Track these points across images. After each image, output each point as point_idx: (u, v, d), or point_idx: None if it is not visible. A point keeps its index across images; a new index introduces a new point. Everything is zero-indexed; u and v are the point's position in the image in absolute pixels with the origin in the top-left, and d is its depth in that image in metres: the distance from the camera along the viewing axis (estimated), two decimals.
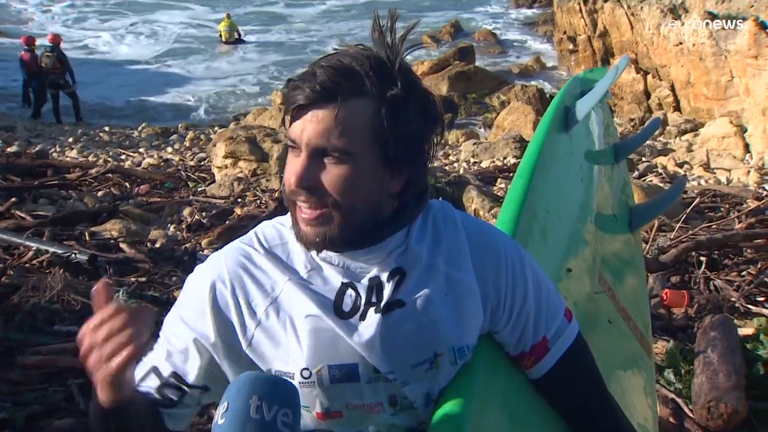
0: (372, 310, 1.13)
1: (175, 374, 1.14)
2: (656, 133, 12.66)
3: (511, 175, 8.72)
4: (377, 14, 1.11)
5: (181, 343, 1.16)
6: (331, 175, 1.08)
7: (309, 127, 1.08)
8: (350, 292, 1.14)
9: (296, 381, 1.12)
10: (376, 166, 1.10)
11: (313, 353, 1.12)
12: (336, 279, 1.15)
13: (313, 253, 1.16)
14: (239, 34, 21.58)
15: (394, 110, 1.08)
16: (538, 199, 1.70)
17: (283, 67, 19.75)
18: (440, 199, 6.68)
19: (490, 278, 1.21)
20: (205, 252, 6.03)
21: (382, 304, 1.13)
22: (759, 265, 5.00)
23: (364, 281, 1.15)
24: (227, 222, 6.87)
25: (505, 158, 10.47)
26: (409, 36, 1.13)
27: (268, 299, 1.14)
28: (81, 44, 22.06)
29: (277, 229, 1.22)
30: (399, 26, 1.11)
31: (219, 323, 1.14)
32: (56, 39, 14.38)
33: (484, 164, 10.27)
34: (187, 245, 6.22)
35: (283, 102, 1.13)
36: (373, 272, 1.15)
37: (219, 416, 0.98)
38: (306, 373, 1.12)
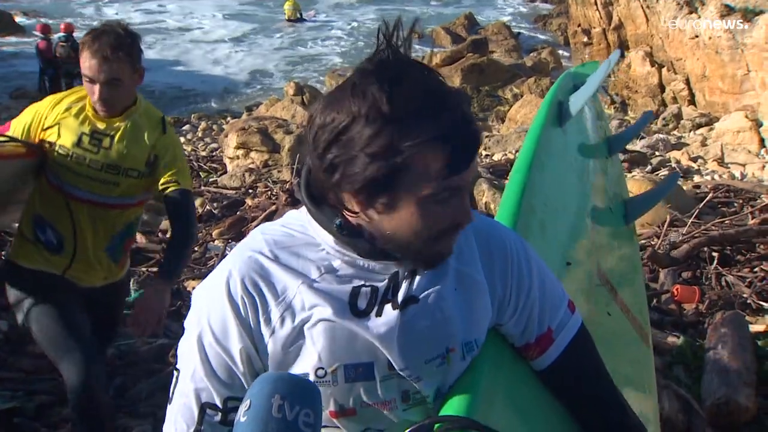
0: (388, 306, 1.12)
1: (230, 397, 1.11)
2: (670, 126, 12.57)
3: None
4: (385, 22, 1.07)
5: (220, 367, 1.11)
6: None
7: (472, 171, 1.07)
8: (365, 290, 1.12)
9: (310, 380, 1.11)
10: None
11: (328, 354, 1.10)
12: (352, 279, 1.13)
13: (333, 257, 1.13)
14: (301, 14, 23.10)
15: None
16: (536, 193, 1.71)
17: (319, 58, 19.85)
18: None
19: (498, 273, 1.21)
20: (216, 243, 6.06)
21: (399, 300, 1.13)
22: None
23: (384, 280, 1.14)
24: (238, 213, 6.90)
25: (517, 151, 10.44)
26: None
27: (282, 305, 1.11)
28: (148, 25, 22.56)
29: (285, 231, 1.17)
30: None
31: (245, 331, 1.11)
32: (69, 28, 14.45)
33: (495, 157, 10.26)
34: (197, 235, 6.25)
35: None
36: (393, 271, 1.14)
37: (241, 414, 0.97)
38: (321, 372, 1.11)
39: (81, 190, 2.39)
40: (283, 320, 1.10)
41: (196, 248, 5.75)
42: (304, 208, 1.17)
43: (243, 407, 0.97)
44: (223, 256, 5.52)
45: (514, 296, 1.23)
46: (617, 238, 2.35)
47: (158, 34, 21.94)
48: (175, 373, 1.14)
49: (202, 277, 4.98)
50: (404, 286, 1.13)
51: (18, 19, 21.38)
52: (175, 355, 3.63)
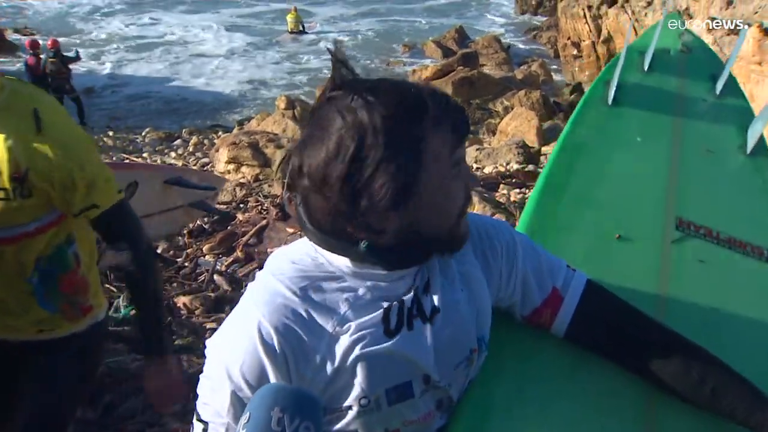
0: (418, 320, 1.14)
1: None
2: None
3: (514, 181, 8.71)
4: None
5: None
6: None
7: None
8: (395, 307, 1.13)
9: (354, 411, 1.12)
10: None
11: (369, 383, 1.11)
12: (379, 302, 1.13)
13: (355, 285, 1.13)
14: (303, 26, 23.52)
15: None
16: (573, 174, 1.71)
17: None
18: None
19: (490, 258, 1.25)
20: (207, 258, 6.03)
21: (427, 313, 1.14)
22: None
23: (408, 295, 1.14)
24: (229, 227, 6.88)
25: (508, 164, 10.45)
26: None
27: (322, 349, 1.09)
28: (156, 39, 22.77)
29: (297, 269, 1.14)
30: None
31: (284, 381, 1.08)
32: (55, 44, 14.57)
33: (486, 170, 10.26)
34: (188, 251, 6.23)
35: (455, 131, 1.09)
36: (412, 284, 1.16)
37: (240, 427, 0.97)
38: (364, 402, 1.11)
39: None
40: (324, 363, 1.09)
41: (186, 264, 5.71)
42: (305, 242, 1.16)
43: (243, 420, 0.97)
44: (214, 271, 5.49)
45: (505, 266, 1.26)
46: (727, 174, 2.12)
47: (156, 48, 21.98)
48: (200, 425, 1.12)
49: (192, 292, 4.96)
50: (426, 298, 1.15)
51: (8, 34, 21.35)
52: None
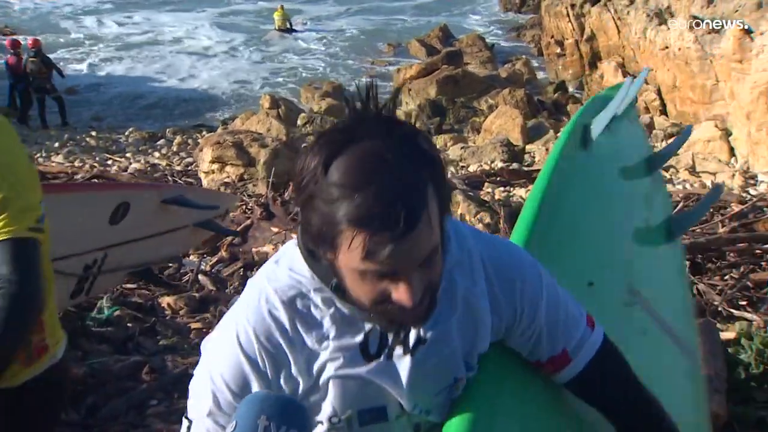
0: (399, 349, 1.13)
1: None
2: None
3: (498, 179, 8.74)
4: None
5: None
6: (434, 270, 1.03)
7: (410, 253, 0.97)
8: (375, 332, 1.12)
9: (324, 427, 1.12)
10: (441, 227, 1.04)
11: (341, 402, 1.12)
12: (363, 324, 1.12)
13: (343, 307, 1.11)
14: (290, 24, 23.38)
15: (441, 172, 1.03)
16: (555, 216, 1.71)
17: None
18: None
19: (504, 299, 1.20)
20: (191, 258, 6.01)
21: (410, 343, 1.13)
22: (742, 269, 5.02)
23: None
24: None
25: (492, 162, 10.50)
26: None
27: (300, 361, 1.10)
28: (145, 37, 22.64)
29: (292, 277, 1.12)
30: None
31: (265, 385, 1.09)
32: (36, 43, 14.48)
33: (471, 168, 10.29)
34: None
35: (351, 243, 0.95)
36: None
37: None
38: (335, 420, 1.12)
39: None
40: (299, 377, 1.10)
41: (170, 264, 5.66)
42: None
43: (230, 428, 0.99)
44: (198, 271, 5.47)
45: (525, 320, 1.22)
46: (659, 256, 2.29)
47: (140, 47, 21.80)
48: (186, 422, 1.14)
49: (176, 292, 4.94)
50: (413, 330, 1.13)
51: None
52: (149, 374, 3.58)
